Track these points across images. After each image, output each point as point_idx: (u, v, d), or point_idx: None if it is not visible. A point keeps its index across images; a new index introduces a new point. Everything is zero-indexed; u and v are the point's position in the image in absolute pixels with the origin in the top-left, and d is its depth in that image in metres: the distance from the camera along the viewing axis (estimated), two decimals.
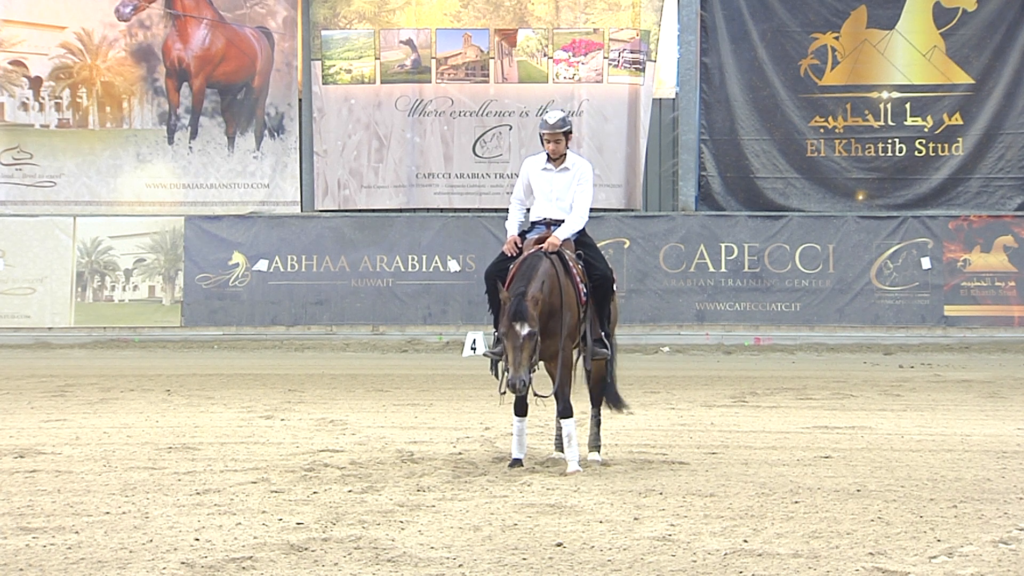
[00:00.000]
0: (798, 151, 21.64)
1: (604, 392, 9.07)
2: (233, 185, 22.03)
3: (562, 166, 8.81)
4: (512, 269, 8.50)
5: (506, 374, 8.02)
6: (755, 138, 21.63)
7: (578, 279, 8.50)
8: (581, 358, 8.78)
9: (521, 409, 8.46)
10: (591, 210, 9.03)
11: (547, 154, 8.82)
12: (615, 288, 9.05)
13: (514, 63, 21.80)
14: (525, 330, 7.89)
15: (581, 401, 8.89)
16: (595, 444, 8.85)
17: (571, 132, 8.83)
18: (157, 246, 21.73)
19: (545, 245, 8.50)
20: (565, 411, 8.35)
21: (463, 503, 7.18)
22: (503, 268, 8.63)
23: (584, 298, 8.54)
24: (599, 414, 9.01)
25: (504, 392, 8.05)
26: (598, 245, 9.23)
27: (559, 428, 8.65)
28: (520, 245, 8.70)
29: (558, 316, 8.23)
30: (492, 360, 8.64)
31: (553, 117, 8.76)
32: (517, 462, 8.41)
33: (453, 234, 21.64)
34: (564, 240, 8.65)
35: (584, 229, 8.88)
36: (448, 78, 21.85)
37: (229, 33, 22.11)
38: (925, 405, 12.55)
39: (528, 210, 8.94)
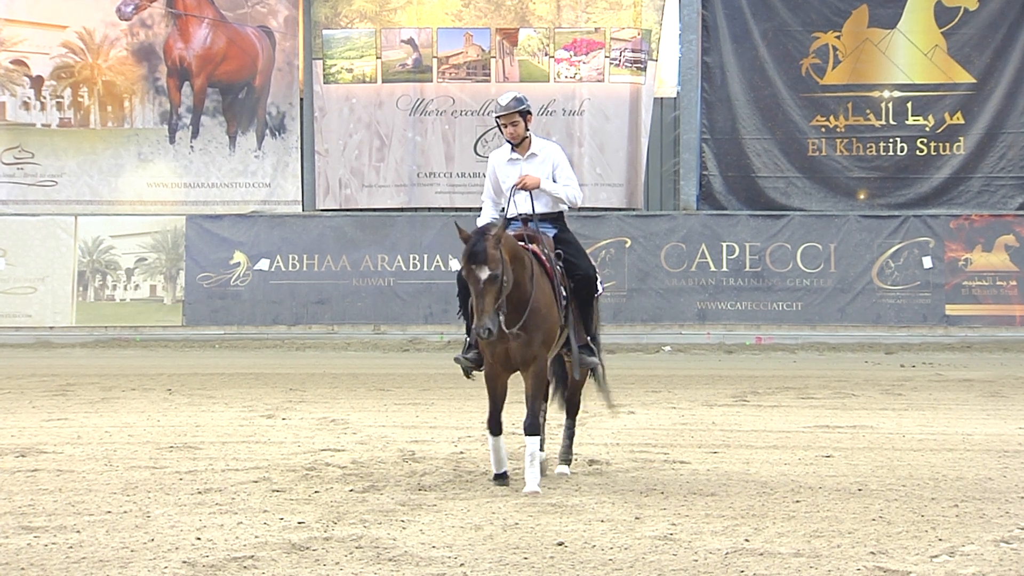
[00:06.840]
0: (799, 150, 21.64)
1: (576, 401, 8.43)
2: (234, 184, 22.03)
3: (529, 153, 8.15)
4: None
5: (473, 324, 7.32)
6: (756, 137, 21.62)
7: (557, 279, 7.79)
8: (568, 367, 8.14)
9: (496, 428, 7.74)
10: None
11: (510, 144, 8.18)
12: (601, 289, 8.31)
13: (515, 62, 21.79)
14: (485, 273, 7.20)
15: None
16: (566, 457, 8.25)
17: (529, 112, 8.10)
18: (158, 245, 21.74)
19: (522, 182, 7.90)
20: (531, 427, 7.53)
21: (464, 502, 7.17)
22: None
23: (564, 301, 7.82)
24: (573, 426, 8.38)
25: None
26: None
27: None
28: None
29: (533, 311, 7.50)
30: (464, 368, 7.96)
31: (506, 98, 8.07)
32: (501, 477, 7.73)
33: (454, 233, 21.39)
34: (546, 220, 8.03)
35: (565, 225, 8.25)
36: (449, 77, 21.85)
37: (230, 32, 22.12)
38: (927, 404, 12.54)
39: (503, 209, 8.19)
